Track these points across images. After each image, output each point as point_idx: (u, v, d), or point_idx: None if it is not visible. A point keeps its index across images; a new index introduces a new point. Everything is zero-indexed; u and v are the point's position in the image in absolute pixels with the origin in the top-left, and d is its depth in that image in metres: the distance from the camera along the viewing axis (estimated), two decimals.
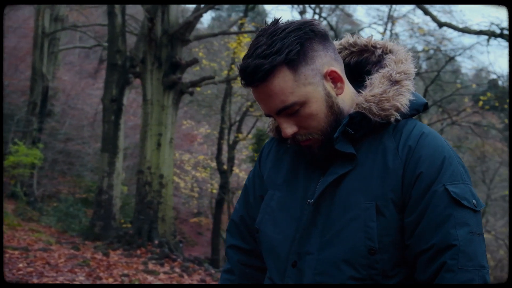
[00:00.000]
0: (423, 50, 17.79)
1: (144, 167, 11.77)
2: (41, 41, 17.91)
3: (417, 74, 1.75)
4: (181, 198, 21.89)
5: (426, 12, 11.68)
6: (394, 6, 18.85)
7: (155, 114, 11.73)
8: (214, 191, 20.50)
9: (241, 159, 21.87)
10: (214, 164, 20.06)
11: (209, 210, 23.07)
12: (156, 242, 11.07)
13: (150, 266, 9.55)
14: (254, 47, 1.43)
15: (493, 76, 21.75)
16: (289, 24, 1.44)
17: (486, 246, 1.45)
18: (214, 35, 15.61)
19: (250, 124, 19.74)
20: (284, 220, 1.56)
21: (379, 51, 1.64)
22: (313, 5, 18.85)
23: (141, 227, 11.33)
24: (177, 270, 9.69)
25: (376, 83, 1.52)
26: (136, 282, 8.06)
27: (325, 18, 19.49)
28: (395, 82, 1.51)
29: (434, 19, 11.68)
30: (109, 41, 13.95)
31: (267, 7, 23.48)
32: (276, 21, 1.47)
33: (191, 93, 12.71)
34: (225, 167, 17.43)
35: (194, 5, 13.41)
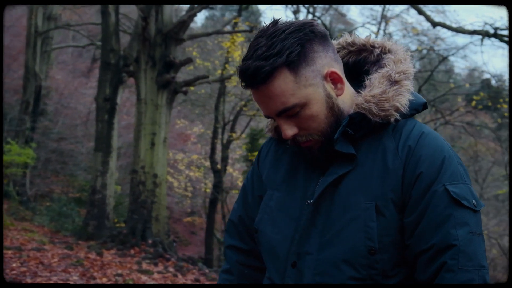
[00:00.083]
0: (417, 50, 17.82)
1: (138, 167, 11.74)
2: (34, 40, 17.83)
3: None
4: (175, 197, 21.86)
5: (420, 12, 11.71)
6: (387, 5, 18.91)
7: (149, 114, 11.71)
8: (208, 190, 20.49)
9: (235, 158, 21.87)
10: (207, 163, 20.05)
11: (203, 210, 23.05)
12: (150, 241, 11.05)
13: (144, 265, 9.53)
14: (254, 48, 1.42)
15: (487, 76, 21.85)
16: (289, 25, 1.44)
17: None
18: (208, 34, 15.59)
19: (244, 123, 19.73)
20: (283, 220, 1.56)
21: (377, 51, 1.64)
22: (306, 5, 18.84)
23: (135, 227, 11.31)
24: (171, 269, 9.67)
25: (375, 83, 1.52)
26: (130, 282, 8.04)
27: (319, 18, 19.49)
28: (394, 82, 1.51)
29: (428, 19, 11.71)
30: (103, 40, 13.91)
31: (261, 6, 23.48)
32: (275, 22, 1.46)
33: (185, 93, 12.69)
34: (218, 166, 17.42)
35: (188, 5, 13.40)
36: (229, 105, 19.20)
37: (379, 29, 19.99)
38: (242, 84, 1.46)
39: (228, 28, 17.00)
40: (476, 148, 19.67)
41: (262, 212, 1.62)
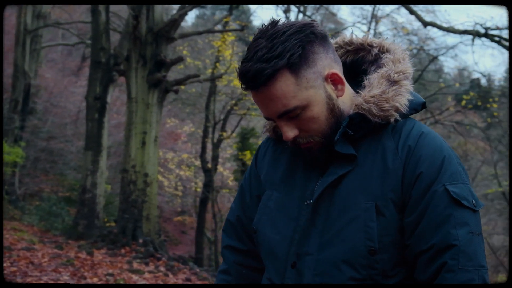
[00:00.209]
0: (407, 50, 17.84)
1: (129, 166, 11.70)
2: (23, 38, 17.69)
3: None
4: (165, 196, 21.81)
5: (412, 12, 11.74)
6: (378, 5, 18.95)
7: (140, 113, 11.66)
8: (198, 189, 20.46)
9: (226, 157, 21.84)
10: (198, 162, 20.01)
11: (193, 209, 23.01)
12: (141, 241, 11.01)
13: (135, 265, 9.50)
14: (254, 50, 1.41)
15: (475, 76, 21.97)
16: (289, 26, 1.42)
17: None
18: (199, 33, 15.56)
19: (235, 122, 19.70)
20: (282, 221, 1.55)
21: (375, 50, 1.64)
22: (297, 4, 18.85)
23: (125, 226, 11.27)
24: (162, 269, 9.65)
25: (374, 83, 1.51)
26: (121, 282, 8.01)
27: (309, 17, 19.50)
28: (394, 82, 1.51)
29: (419, 18, 11.75)
30: (93, 38, 13.87)
31: (252, 5, 23.43)
32: (274, 22, 1.45)
33: (176, 91, 12.66)
34: (209, 165, 17.39)
35: (178, 4, 13.36)
36: (219, 104, 19.17)
37: (369, 28, 20.03)
38: (242, 86, 1.45)
39: (219, 27, 16.98)
40: (465, 147, 19.78)
41: (261, 213, 1.61)
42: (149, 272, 9.14)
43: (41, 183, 18.43)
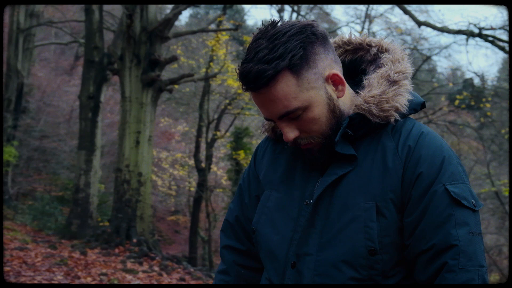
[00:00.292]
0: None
1: (123, 165, 11.66)
2: (16, 37, 17.62)
3: None
4: (159, 196, 21.77)
5: (406, 12, 11.76)
6: (371, 5, 18.99)
7: (134, 112, 11.63)
8: (192, 189, 20.43)
9: (219, 157, 21.82)
10: (192, 162, 19.98)
11: (187, 208, 22.98)
12: (135, 240, 10.98)
13: (129, 264, 9.48)
14: (255, 50, 1.40)
15: (470, 75, 22.03)
16: (290, 27, 1.41)
17: None
18: (193, 32, 15.52)
19: (228, 122, 19.68)
20: (281, 221, 1.55)
21: (374, 50, 1.63)
22: (291, 4, 18.84)
23: (119, 226, 11.23)
24: (156, 268, 9.62)
25: (374, 83, 1.51)
26: (115, 282, 7.99)
27: (303, 16, 19.52)
28: (393, 82, 1.50)
29: (413, 18, 11.77)
30: (86, 37, 13.82)
31: (246, 5, 23.43)
32: (274, 23, 1.44)
33: (170, 91, 12.63)
34: (203, 165, 17.36)
35: (172, 4, 13.32)
36: (213, 104, 19.15)
37: (363, 28, 20.07)
38: (243, 87, 1.44)
39: (213, 26, 16.95)
40: (458, 147, 19.82)
41: (260, 213, 1.61)
42: (143, 271, 9.12)
43: (34, 183, 18.36)
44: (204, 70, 17.92)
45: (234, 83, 16.80)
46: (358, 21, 21.13)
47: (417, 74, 19.82)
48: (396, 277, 1.45)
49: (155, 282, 8.65)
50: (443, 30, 12.08)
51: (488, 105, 16.69)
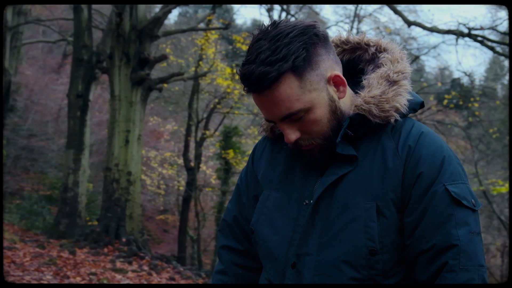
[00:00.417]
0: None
1: (112, 164, 11.61)
2: (4, 35, 17.48)
3: None
4: (147, 195, 21.70)
5: (396, 12, 11.81)
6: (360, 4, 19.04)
7: (123, 111, 11.58)
8: (181, 188, 20.37)
9: (208, 156, 21.79)
10: (181, 161, 19.93)
11: (176, 208, 22.93)
12: (124, 240, 10.94)
13: (118, 264, 9.44)
14: (256, 51, 1.38)
15: (458, 75, 22.16)
16: (292, 28, 1.40)
17: None
18: (183, 31, 15.49)
19: (218, 121, 19.64)
20: (280, 221, 1.54)
21: (372, 49, 1.63)
22: (281, 4, 18.84)
23: (108, 225, 11.18)
24: (146, 268, 9.60)
25: (374, 83, 1.51)
26: (105, 281, 7.95)
27: (293, 16, 19.53)
28: (393, 82, 1.50)
29: (403, 18, 11.81)
30: (75, 36, 13.73)
31: (235, 4, 23.40)
32: (275, 23, 1.43)
33: (160, 90, 12.59)
34: (192, 164, 17.33)
35: (161, 4, 13.27)
36: (202, 103, 19.11)
37: (352, 27, 20.13)
38: (245, 89, 1.42)
39: (202, 25, 16.92)
40: None
41: (259, 213, 1.60)
42: (133, 271, 9.09)
43: (21, 182, 18.23)
44: (193, 69, 17.88)
45: (223, 82, 16.78)
46: (347, 20, 21.21)
47: None
48: (396, 277, 1.45)
49: (145, 282, 8.62)
50: (433, 30, 12.12)
51: (476, 104, 16.80)
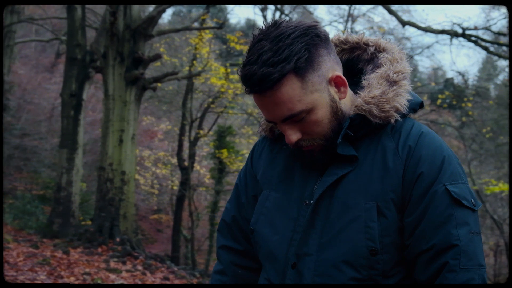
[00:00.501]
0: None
1: (106, 164, 11.57)
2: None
3: None
4: (141, 194, 21.65)
5: (390, 11, 11.83)
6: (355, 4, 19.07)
7: (117, 110, 11.54)
8: (175, 187, 20.35)
9: (202, 155, 21.76)
10: (174, 160, 19.90)
11: (169, 207, 22.89)
12: (118, 239, 10.91)
13: (112, 264, 9.41)
14: (258, 52, 1.38)
15: (451, 75, 22.23)
16: (294, 28, 1.39)
17: None
18: (177, 30, 15.46)
19: (211, 120, 19.63)
20: (280, 221, 1.54)
21: (371, 49, 1.63)
22: (275, 4, 18.85)
23: (102, 225, 11.15)
24: (140, 268, 9.58)
25: (374, 83, 1.51)
26: (99, 281, 7.93)
27: (286, 15, 19.54)
28: (393, 83, 1.50)
29: (398, 18, 11.84)
30: (69, 35, 13.68)
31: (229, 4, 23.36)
32: (276, 23, 1.42)
33: (154, 89, 12.56)
34: (186, 163, 17.31)
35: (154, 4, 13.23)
36: (196, 102, 19.09)
37: (345, 27, 20.15)
38: (246, 89, 1.41)
39: (196, 24, 16.90)
40: None
41: (258, 213, 1.60)
42: (127, 271, 9.07)
43: (14, 181, 18.15)
44: (187, 68, 17.86)
45: (217, 82, 16.77)
46: (341, 20, 21.23)
47: None
48: (396, 276, 1.45)
49: (139, 282, 8.60)
50: (427, 30, 12.14)
51: (469, 104, 16.86)
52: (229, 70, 16.90)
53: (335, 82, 1.46)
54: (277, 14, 19.66)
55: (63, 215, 12.98)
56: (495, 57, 20.03)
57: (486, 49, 12.18)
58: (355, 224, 1.42)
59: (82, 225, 13.29)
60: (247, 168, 1.75)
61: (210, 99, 17.89)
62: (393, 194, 1.42)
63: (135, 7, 11.85)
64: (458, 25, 11.86)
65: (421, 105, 1.58)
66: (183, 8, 31.09)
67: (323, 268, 1.44)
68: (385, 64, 1.55)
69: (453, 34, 11.90)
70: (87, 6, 15.46)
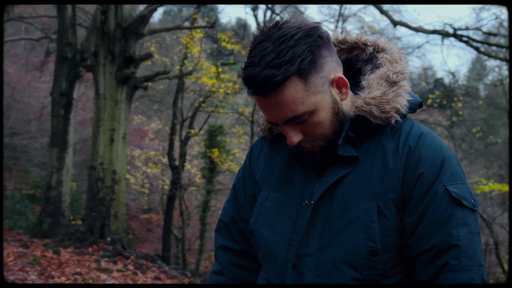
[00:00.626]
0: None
1: (97, 163, 11.52)
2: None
3: None
4: (131, 194, 21.59)
5: (382, 11, 11.86)
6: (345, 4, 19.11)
7: (108, 109, 11.49)
8: (166, 187, 20.32)
9: (193, 155, 21.73)
10: (165, 160, 19.87)
11: (160, 206, 22.85)
12: (109, 239, 10.87)
13: (103, 264, 9.37)
14: (260, 53, 1.36)
15: (441, 75, 22.33)
16: (296, 29, 1.38)
17: None
18: (168, 29, 15.43)
19: (202, 120, 19.62)
20: (280, 221, 1.54)
21: (370, 49, 1.64)
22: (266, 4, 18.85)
23: (93, 224, 11.10)
24: (131, 267, 9.54)
25: (374, 84, 1.51)
26: (90, 281, 7.89)
27: (278, 14, 19.54)
28: (393, 83, 1.51)
29: (389, 18, 11.88)
30: (59, 33, 13.58)
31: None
32: (278, 24, 1.41)
33: (145, 88, 12.52)
34: (176, 163, 17.28)
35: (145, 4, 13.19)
36: (187, 101, 19.06)
37: (336, 27, 20.18)
38: (249, 91, 1.40)
39: (187, 24, 16.87)
40: None
41: (257, 213, 1.59)
42: (118, 270, 9.03)
43: (4, 181, 18.02)
44: (178, 67, 17.82)
45: (208, 81, 16.75)
46: (332, 20, 21.27)
47: None
48: (396, 276, 1.46)
49: (130, 282, 8.57)
50: (419, 30, 12.18)
51: (459, 104, 16.94)
52: (220, 69, 16.91)
53: (337, 83, 1.46)
54: (268, 13, 19.67)
55: (53, 214, 12.89)
56: (485, 57, 20.14)
57: (477, 49, 12.25)
58: (355, 225, 1.42)
59: (72, 225, 13.21)
60: (245, 168, 1.74)
61: (201, 98, 17.87)
62: (393, 194, 1.42)
63: (126, 6, 11.80)
64: (450, 25, 11.94)
65: (420, 105, 1.58)
66: (174, 7, 31.03)
67: (324, 269, 1.44)
68: (385, 65, 1.56)
69: (444, 34, 11.96)
70: (77, 4, 15.38)
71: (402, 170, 1.43)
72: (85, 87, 19.71)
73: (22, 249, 9.79)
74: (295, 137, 1.45)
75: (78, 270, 8.45)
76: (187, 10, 27.75)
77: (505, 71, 19.19)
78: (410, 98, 1.52)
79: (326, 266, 1.44)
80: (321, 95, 1.42)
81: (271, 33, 1.38)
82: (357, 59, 1.65)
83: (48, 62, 23.15)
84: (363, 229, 1.41)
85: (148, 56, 12.29)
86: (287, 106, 1.39)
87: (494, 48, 15.26)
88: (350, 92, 1.54)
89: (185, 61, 17.28)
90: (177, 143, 17.94)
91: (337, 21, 20.64)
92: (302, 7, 21.07)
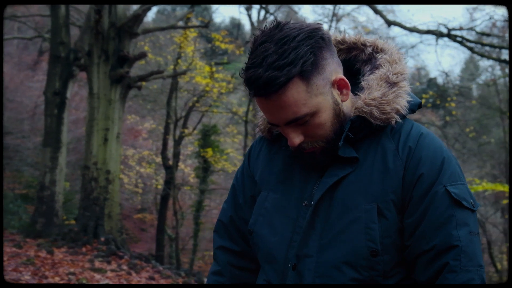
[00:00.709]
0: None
1: (90, 163, 11.49)
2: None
3: None
4: (125, 194, 21.54)
5: (376, 11, 11.89)
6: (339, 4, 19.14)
7: (102, 109, 11.46)
8: (159, 186, 20.28)
9: (187, 154, 21.69)
10: (159, 159, 19.84)
11: (154, 206, 22.80)
12: (102, 239, 10.84)
13: (97, 264, 9.35)
14: (262, 55, 1.35)
15: (434, 75, 22.40)
16: (298, 31, 1.38)
17: None
18: (162, 29, 15.39)
19: (196, 119, 19.59)
20: (279, 222, 1.54)
21: (369, 49, 1.64)
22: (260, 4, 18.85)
23: (86, 224, 11.07)
24: (125, 267, 9.52)
25: (373, 85, 1.51)
26: (84, 281, 7.87)
27: (271, 14, 19.55)
28: (393, 84, 1.51)
29: (384, 18, 11.91)
30: (52, 32, 13.53)
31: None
32: (280, 25, 1.40)
33: (139, 88, 12.49)
34: (170, 162, 17.25)
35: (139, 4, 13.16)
36: (181, 101, 19.03)
37: (330, 26, 20.20)
38: (251, 92, 1.39)
39: (181, 23, 16.84)
40: None
41: (257, 214, 1.59)
42: (112, 270, 9.01)
43: None
44: (172, 67, 17.79)
45: (202, 80, 16.73)
46: (326, 19, 21.27)
47: None
48: (396, 277, 1.46)
49: (124, 281, 8.56)
50: (413, 30, 12.21)
51: (453, 104, 17.00)
52: (214, 69, 16.89)
53: (338, 84, 1.46)
54: (262, 13, 19.67)
55: (47, 214, 12.84)
56: (478, 57, 20.23)
57: (471, 49, 12.30)
58: (355, 225, 1.42)
59: (66, 225, 13.17)
60: (244, 168, 1.74)
61: (195, 98, 17.85)
62: (393, 195, 1.43)
63: (120, 5, 11.77)
64: (444, 25, 11.97)
65: (419, 105, 1.59)
66: (168, 7, 30.98)
67: (324, 269, 1.44)
68: (384, 65, 1.55)
69: (438, 34, 11.99)
70: (71, 4, 15.32)
71: (402, 171, 1.43)
72: (79, 86, 19.65)
73: (16, 249, 9.75)
74: (296, 139, 1.45)
75: (72, 270, 8.43)
76: (181, 9, 27.70)
77: (498, 71, 19.29)
78: (410, 99, 1.52)
79: (326, 267, 1.43)
80: (323, 96, 1.42)
81: (273, 34, 1.38)
82: (356, 60, 1.65)
83: (41, 61, 23.06)
84: (363, 230, 1.41)
85: (142, 55, 12.26)
86: (289, 107, 1.39)
87: (487, 48, 15.31)
88: (350, 93, 1.53)
89: (179, 60, 17.25)
90: (171, 143, 17.91)
91: (331, 21, 20.66)
92: (296, 6, 21.09)
